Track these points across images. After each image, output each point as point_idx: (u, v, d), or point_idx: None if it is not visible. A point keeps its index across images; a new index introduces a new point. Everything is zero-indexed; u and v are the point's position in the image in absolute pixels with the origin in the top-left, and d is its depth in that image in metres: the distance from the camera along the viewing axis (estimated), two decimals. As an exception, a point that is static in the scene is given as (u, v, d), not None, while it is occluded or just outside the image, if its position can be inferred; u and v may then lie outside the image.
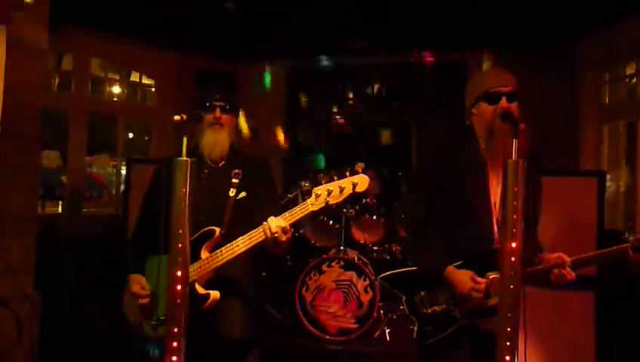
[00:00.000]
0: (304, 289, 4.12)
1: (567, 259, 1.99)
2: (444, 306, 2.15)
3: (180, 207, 1.66)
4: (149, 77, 5.82)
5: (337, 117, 6.24)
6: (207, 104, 2.32)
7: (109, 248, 4.15)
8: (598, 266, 3.36)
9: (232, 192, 2.29)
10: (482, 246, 2.09)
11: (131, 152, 7.48)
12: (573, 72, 4.87)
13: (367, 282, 4.05)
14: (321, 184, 2.05)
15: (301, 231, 4.64)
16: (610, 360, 3.36)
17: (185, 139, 1.74)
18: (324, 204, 2.02)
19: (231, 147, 2.40)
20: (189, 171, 1.66)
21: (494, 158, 2.10)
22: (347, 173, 2.04)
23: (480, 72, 2.29)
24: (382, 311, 4.14)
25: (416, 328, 2.22)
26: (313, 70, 6.13)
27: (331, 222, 4.61)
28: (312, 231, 4.71)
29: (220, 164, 2.38)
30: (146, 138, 6.47)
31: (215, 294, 2.15)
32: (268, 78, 6.06)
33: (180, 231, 1.66)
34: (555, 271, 1.99)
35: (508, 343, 1.58)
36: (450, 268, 2.11)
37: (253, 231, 2.10)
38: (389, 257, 4.75)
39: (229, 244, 2.14)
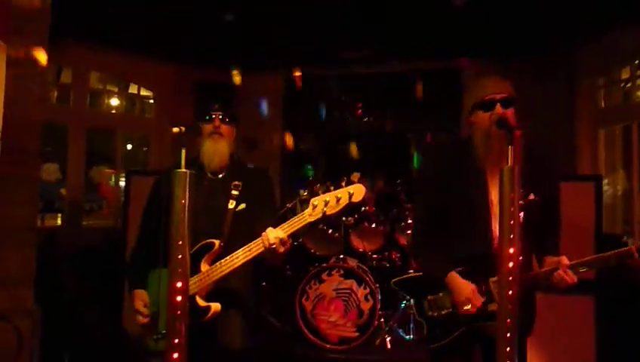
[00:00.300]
0: (304, 298, 4.12)
1: (567, 262, 2.00)
2: (450, 310, 2.17)
3: (179, 219, 1.66)
4: (148, 89, 5.84)
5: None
6: (207, 115, 2.34)
7: (108, 261, 4.16)
8: (597, 271, 3.38)
9: (231, 204, 2.30)
10: (482, 252, 2.11)
11: (130, 164, 7.50)
12: (570, 77, 4.90)
13: (368, 290, 4.06)
14: (318, 194, 2.07)
15: (300, 240, 4.65)
16: (610, 364, 3.37)
17: (183, 151, 1.75)
18: (321, 215, 2.04)
19: (231, 158, 2.41)
20: (188, 183, 1.67)
21: (492, 165, 2.12)
22: (343, 183, 2.06)
23: (476, 81, 2.31)
24: (382, 320, 4.14)
25: (425, 331, 2.25)
26: (312, 79, 6.16)
27: (330, 231, 4.62)
28: (311, 239, 4.72)
29: (220, 176, 2.39)
30: (145, 149, 6.49)
31: (216, 306, 2.15)
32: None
33: (180, 243, 1.66)
34: (556, 274, 2.00)
35: (508, 349, 1.58)
36: (453, 274, 2.14)
37: (253, 242, 2.11)
38: (388, 265, 4.75)
39: (228, 257, 2.15)
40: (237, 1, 4.14)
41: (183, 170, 1.68)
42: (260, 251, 2.10)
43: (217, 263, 2.16)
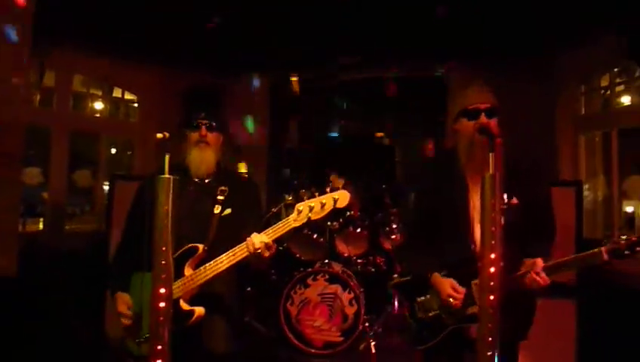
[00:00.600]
0: (289, 303, 4.12)
1: (541, 264, 2.04)
2: (437, 312, 2.23)
3: (162, 225, 1.66)
4: (132, 93, 5.80)
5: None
6: (193, 122, 2.34)
7: (92, 265, 4.12)
8: (578, 275, 3.42)
9: (217, 209, 2.30)
10: (463, 256, 2.16)
11: (114, 168, 7.42)
12: (551, 84, 4.98)
13: (352, 295, 4.07)
14: (303, 200, 2.08)
15: (285, 244, 4.65)
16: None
17: (167, 157, 1.75)
18: (306, 220, 2.05)
19: (217, 164, 2.41)
20: (171, 189, 1.67)
21: (474, 171, 2.18)
22: (328, 189, 2.07)
23: (460, 90, 2.36)
24: (367, 324, 4.15)
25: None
26: (298, 85, 6.17)
27: (315, 236, 4.63)
28: (296, 244, 4.72)
29: (207, 180, 2.39)
30: (129, 153, 6.43)
31: (200, 310, 2.15)
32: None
33: (164, 248, 1.66)
34: (529, 275, 2.04)
35: (489, 353, 1.61)
36: (435, 275, 2.21)
37: (237, 247, 2.11)
38: (373, 269, 4.77)
39: (212, 261, 2.15)
40: (224, 6, 4.15)
41: (167, 175, 1.68)
42: (244, 256, 2.10)
43: (201, 267, 2.16)
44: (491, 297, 1.63)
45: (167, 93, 5.63)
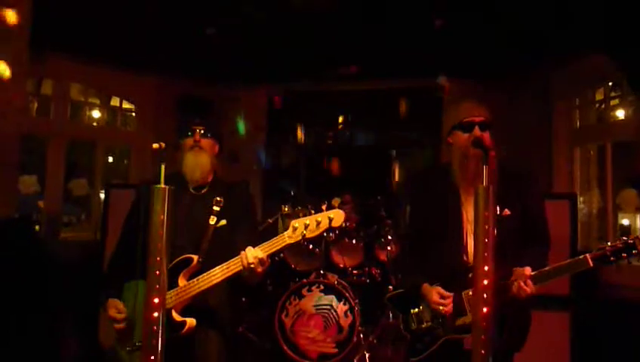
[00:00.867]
0: (284, 314, 4.11)
1: (529, 272, 2.04)
2: (430, 324, 2.22)
3: (157, 235, 1.66)
4: (130, 101, 5.81)
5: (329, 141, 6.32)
6: (188, 129, 2.35)
7: (86, 274, 4.10)
8: (572, 287, 3.43)
9: (212, 220, 2.31)
10: (456, 267, 2.17)
11: (111, 177, 7.42)
12: (546, 97, 5.01)
13: (347, 306, 4.06)
14: (299, 216, 2.10)
15: (281, 255, 4.64)
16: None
17: (163, 167, 1.76)
18: (300, 238, 2.08)
19: (213, 174, 2.42)
20: (167, 199, 1.68)
21: (467, 184, 2.20)
22: (324, 207, 2.10)
23: (455, 104, 2.39)
24: (362, 336, 4.14)
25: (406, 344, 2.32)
26: (295, 94, 6.20)
27: (311, 246, 4.62)
28: (292, 255, 4.72)
29: (202, 191, 2.39)
30: (126, 162, 6.44)
31: (191, 321, 2.15)
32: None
33: (158, 259, 1.66)
34: (515, 283, 2.04)
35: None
36: (425, 286, 2.22)
37: (231, 260, 2.12)
38: (368, 281, 4.76)
39: (206, 273, 2.15)
40: (220, 15, 4.17)
41: (162, 185, 1.69)
42: (237, 269, 2.11)
43: (195, 279, 2.16)
44: (484, 309, 1.64)
45: (164, 102, 5.64)
